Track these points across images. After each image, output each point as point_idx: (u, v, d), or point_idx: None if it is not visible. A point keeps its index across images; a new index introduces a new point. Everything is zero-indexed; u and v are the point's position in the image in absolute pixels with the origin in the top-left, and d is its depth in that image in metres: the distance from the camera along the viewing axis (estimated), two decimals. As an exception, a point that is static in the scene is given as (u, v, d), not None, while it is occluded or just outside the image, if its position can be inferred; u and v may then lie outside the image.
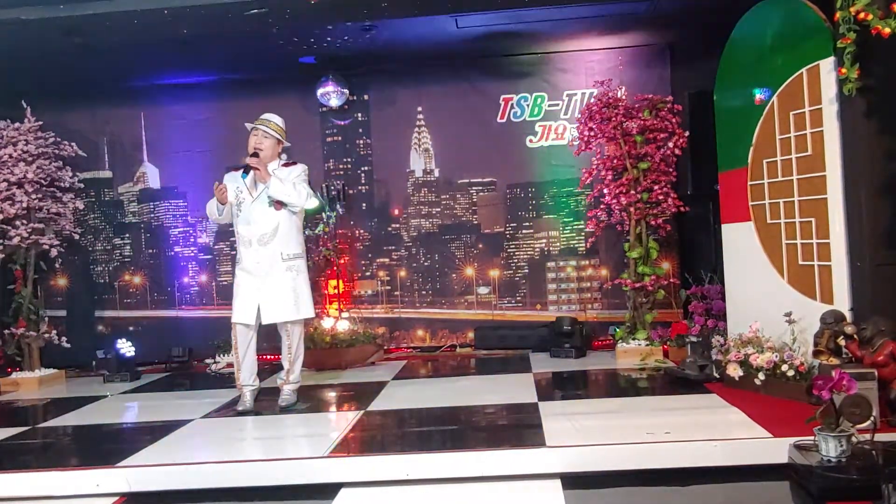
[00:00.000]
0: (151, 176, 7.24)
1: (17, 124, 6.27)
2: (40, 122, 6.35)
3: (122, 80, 6.89)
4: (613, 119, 5.92)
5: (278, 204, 4.59)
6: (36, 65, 6.08)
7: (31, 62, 5.98)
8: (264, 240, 4.59)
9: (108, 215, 7.26)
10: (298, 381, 4.88)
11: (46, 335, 6.31)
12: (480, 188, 7.03)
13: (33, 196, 6.20)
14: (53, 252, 6.31)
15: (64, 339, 6.38)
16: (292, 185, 4.57)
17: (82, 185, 6.76)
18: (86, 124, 7.10)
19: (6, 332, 6.28)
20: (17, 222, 6.14)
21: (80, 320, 7.10)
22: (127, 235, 7.26)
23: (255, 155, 4.59)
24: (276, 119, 4.76)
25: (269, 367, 5.87)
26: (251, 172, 4.57)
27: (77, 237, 6.72)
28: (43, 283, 6.78)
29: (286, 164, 4.75)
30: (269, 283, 4.59)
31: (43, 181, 6.30)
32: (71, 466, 3.70)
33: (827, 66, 4.06)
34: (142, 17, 5.16)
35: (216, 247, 7.17)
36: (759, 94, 4.60)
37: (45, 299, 6.72)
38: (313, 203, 5.98)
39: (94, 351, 6.52)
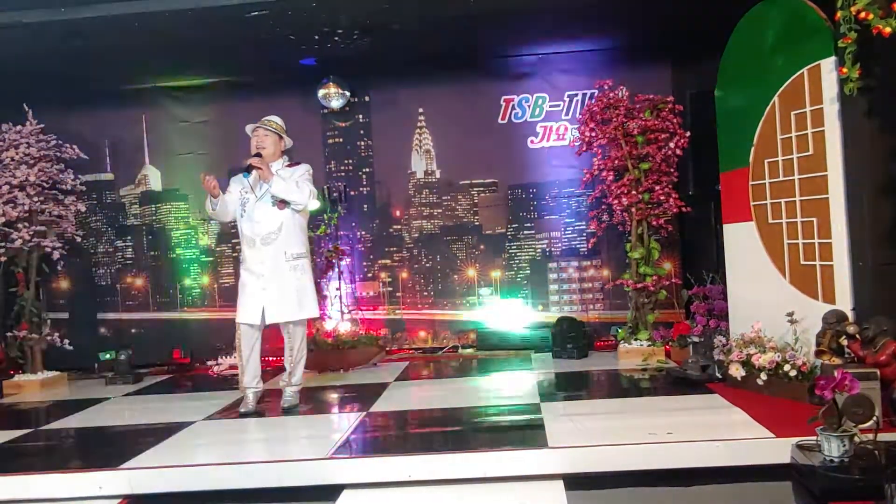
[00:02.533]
0: (153, 178, 7.25)
1: (18, 127, 6.27)
2: (42, 125, 6.35)
3: (123, 82, 6.90)
4: (614, 120, 5.92)
5: (281, 203, 4.60)
6: (37, 68, 6.09)
7: (32, 65, 5.99)
8: (268, 239, 4.60)
9: (110, 218, 7.27)
10: (301, 383, 4.88)
11: (49, 338, 6.31)
12: (482, 189, 7.04)
13: (35, 199, 6.20)
14: (55, 255, 6.32)
15: (66, 341, 6.38)
16: (295, 183, 4.59)
17: (84, 188, 6.75)
18: (87, 127, 7.09)
19: (9, 334, 6.28)
20: (20, 225, 6.15)
21: (82, 323, 7.10)
22: (129, 238, 7.26)
23: (258, 155, 4.61)
24: (276, 118, 4.81)
25: (270, 369, 5.88)
26: (254, 172, 4.59)
27: (79, 240, 6.72)
28: (45, 286, 6.80)
29: (290, 165, 4.78)
30: (274, 282, 4.59)
31: (45, 184, 6.31)
32: (73, 469, 3.70)
33: (828, 65, 4.05)
34: (143, 19, 5.17)
35: (218, 249, 7.18)
36: None
37: (47, 302, 6.73)
38: (316, 204, 5.99)
39: (97, 353, 6.54)
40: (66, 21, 5.12)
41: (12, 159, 6.16)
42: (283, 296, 4.60)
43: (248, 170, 4.59)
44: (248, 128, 4.79)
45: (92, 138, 7.07)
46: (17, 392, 6.06)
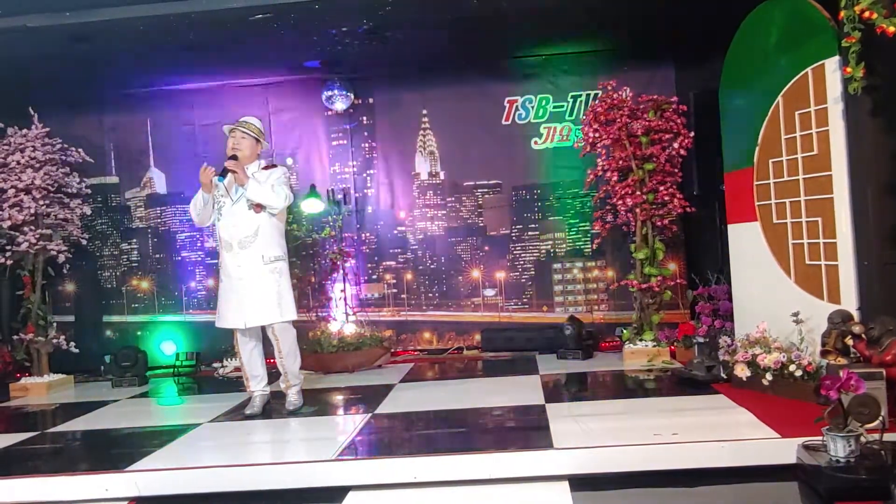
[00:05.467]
0: (158, 181, 7.27)
1: (24, 131, 6.30)
2: (47, 129, 6.38)
3: (128, 85, 6.92)
4: (618, 120, 5.91)
5: (258, 207, 4.55)
6: (42, 71, 6.11)
7: (37, 69, 6.01)
8: (245, 243, 4.55)
9: (116, 221, 7.29)
10: (299, 382, 4.87)
11: (55, 340, 6.33)
12: (486, 190, 7.04)
13: (41, 202, 6.23)
14: (61, 258, 6.34)
15: (72, 344, 6.41)
16: (270, 187, 4.54)
17: (89, 191, 6.78)
18: (92, 130, 7.13)
19: (15, 337, 6.31)
20: (26, 228, 6.17)
21: (88, 325, 7.13)
22: (134, 240, 7.29)
23: (234, 157, 4.56)
24: (254, 120, 4.74)
25: (274, 370, 5.87)
26: (229, 175, 4.53)
27: (84, 243, 6.75)
28: (51, 289, 6.80)
29: (266, 167, 4.73)
30: (253, 286, 4.55)
31: (50, 187, 6.33)
32: (80, 471, 3.72)
33: (832, 65, 4.05)
34: (147, 23, 5.18)
35: (223, 251, 7.18)
36: None
37: (53, 305, 6.74)
38: (318, 208, 6.00)
39: (103, 356, 6.57)
40: (70, 25, 5.13)
41: (18, 163, 6.18)
42: (263, 299, 4.56)
43: (223, 173, 4.53)
44: (226, 128, 4.73)
45: (97, 141, 7.12)
46: (24, 395, 6.08)
